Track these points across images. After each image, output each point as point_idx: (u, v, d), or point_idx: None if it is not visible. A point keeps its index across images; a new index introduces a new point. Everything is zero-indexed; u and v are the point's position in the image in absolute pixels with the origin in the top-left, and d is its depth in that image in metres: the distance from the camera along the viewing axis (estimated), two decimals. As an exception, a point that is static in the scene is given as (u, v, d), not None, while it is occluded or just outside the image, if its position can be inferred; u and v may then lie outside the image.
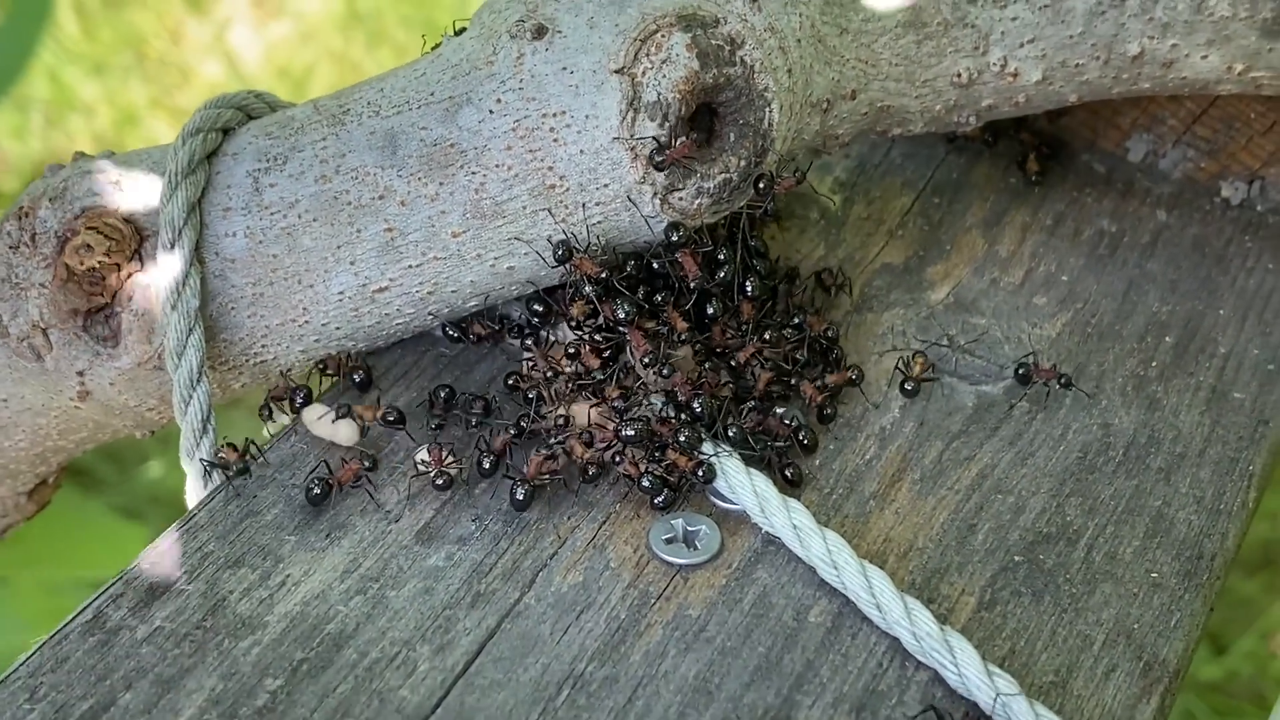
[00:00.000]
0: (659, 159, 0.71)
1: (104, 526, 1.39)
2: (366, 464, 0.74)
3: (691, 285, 0.76)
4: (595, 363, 0.75)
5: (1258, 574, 1.73)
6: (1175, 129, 0.98)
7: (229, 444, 0.75)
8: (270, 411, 0.79)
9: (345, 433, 0.76)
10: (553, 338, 0.80)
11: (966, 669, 0.66)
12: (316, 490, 0.73)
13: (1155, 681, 0.68)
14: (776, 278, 0.85)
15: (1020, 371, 0.81)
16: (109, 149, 0.79)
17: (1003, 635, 0.70)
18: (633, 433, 0.72)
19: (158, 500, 1.75)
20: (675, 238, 0.74)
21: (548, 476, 0.73)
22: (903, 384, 0.81)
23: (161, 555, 0.70)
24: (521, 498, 0.72)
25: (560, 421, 0.75)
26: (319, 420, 0.77)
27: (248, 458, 0.74)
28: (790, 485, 0.75)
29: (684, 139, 0.71)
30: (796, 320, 0.81)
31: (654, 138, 0.71)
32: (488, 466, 0.74)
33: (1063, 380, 0.81)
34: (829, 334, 0.82)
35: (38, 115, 2.24)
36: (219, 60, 2.32)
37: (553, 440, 0.74)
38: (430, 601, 0.69)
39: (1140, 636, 0.70)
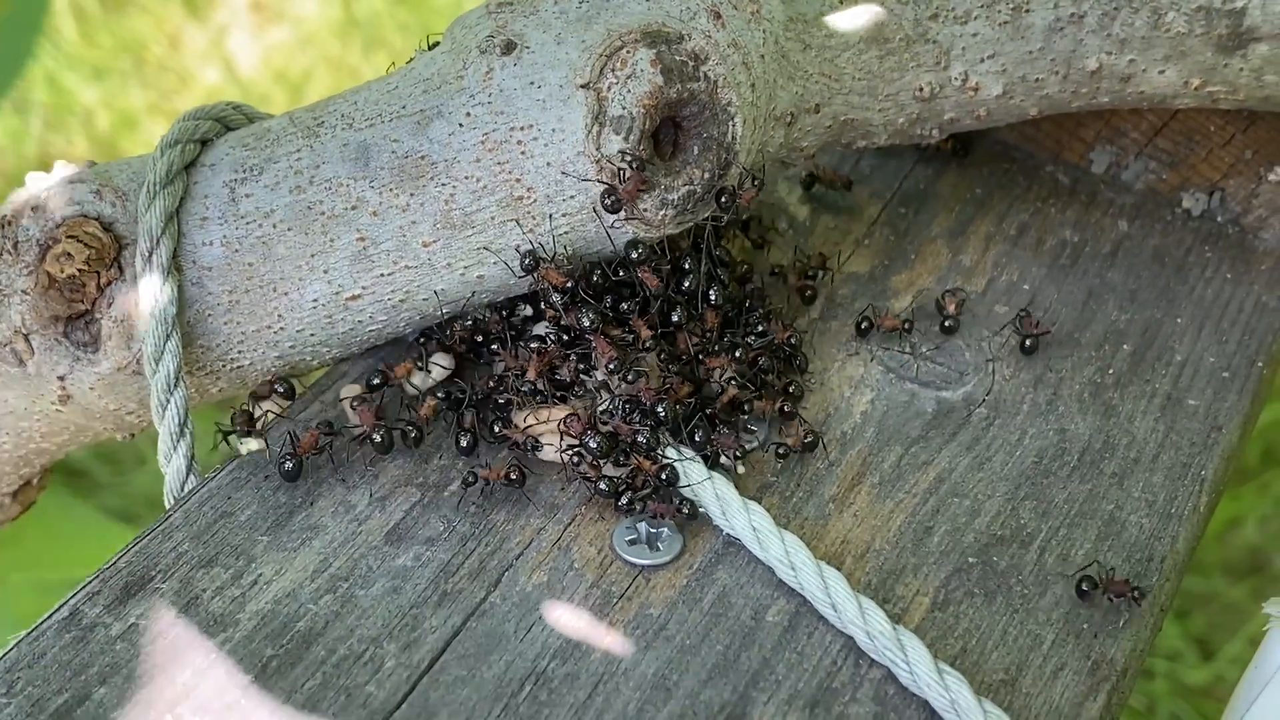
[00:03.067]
0: (609, 201, 0.73)
1: (95, 528, 1.41)
2: (323, 429, 0.76)
3: (653, 296, 0.78)
4: (562, 370, 0.77)
5: (1246, 579, 1.74)
6: (1137, 141, 1.00)
7: (244, 410, 0.79)
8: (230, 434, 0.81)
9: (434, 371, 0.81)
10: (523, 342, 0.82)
11: (918, 667, 0.68)
12: (289, 465, 0.75)
13: (1102, 680, 0.70)
14: (744, 282, 0.87)
15: (1083, 587, 0.74)
16: (107, 153, 0.81)
17: (955, 634, 0.72)
18: (596, 445, 0.75)
19: (153, 503, 1.76)
20: (635, 254, 0.76)
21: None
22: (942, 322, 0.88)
23: (135, 555, 0.72)
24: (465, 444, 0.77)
25: (529, 431, 0.77)
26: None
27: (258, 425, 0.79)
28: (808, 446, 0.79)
29: (635, 176, 0.73)
30: (760, 328, 0.83)
31: (605, 182, 0.73)
32: (465, 444, 0.78)
33: (1135, 594, 0.73)
34: (792, 341, 0.84)
35: (36, 119, 2.26)
36: (217, 65, 2.34)
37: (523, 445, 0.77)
38: (398, 600, 0.71)
39: (1089, 636, 0.72)
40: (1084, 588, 0.73)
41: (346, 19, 2.43)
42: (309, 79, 2.31)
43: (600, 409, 0.77)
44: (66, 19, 2.37)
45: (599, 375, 0.78)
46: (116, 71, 2.34)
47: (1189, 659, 1.66)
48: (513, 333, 0.81)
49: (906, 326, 0.87)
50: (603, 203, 0.74)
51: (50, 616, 0.69)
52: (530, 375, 0.77)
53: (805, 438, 0.79)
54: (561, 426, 0.76)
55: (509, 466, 0.75)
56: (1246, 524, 1.77)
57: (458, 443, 0.77)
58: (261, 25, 2.42)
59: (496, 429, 0.78)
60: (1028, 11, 0.85)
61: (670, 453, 0.77)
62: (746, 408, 0.80)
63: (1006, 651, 0.71)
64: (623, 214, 0.74)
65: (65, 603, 0.70)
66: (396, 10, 2.44)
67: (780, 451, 0.79)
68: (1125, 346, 0.89)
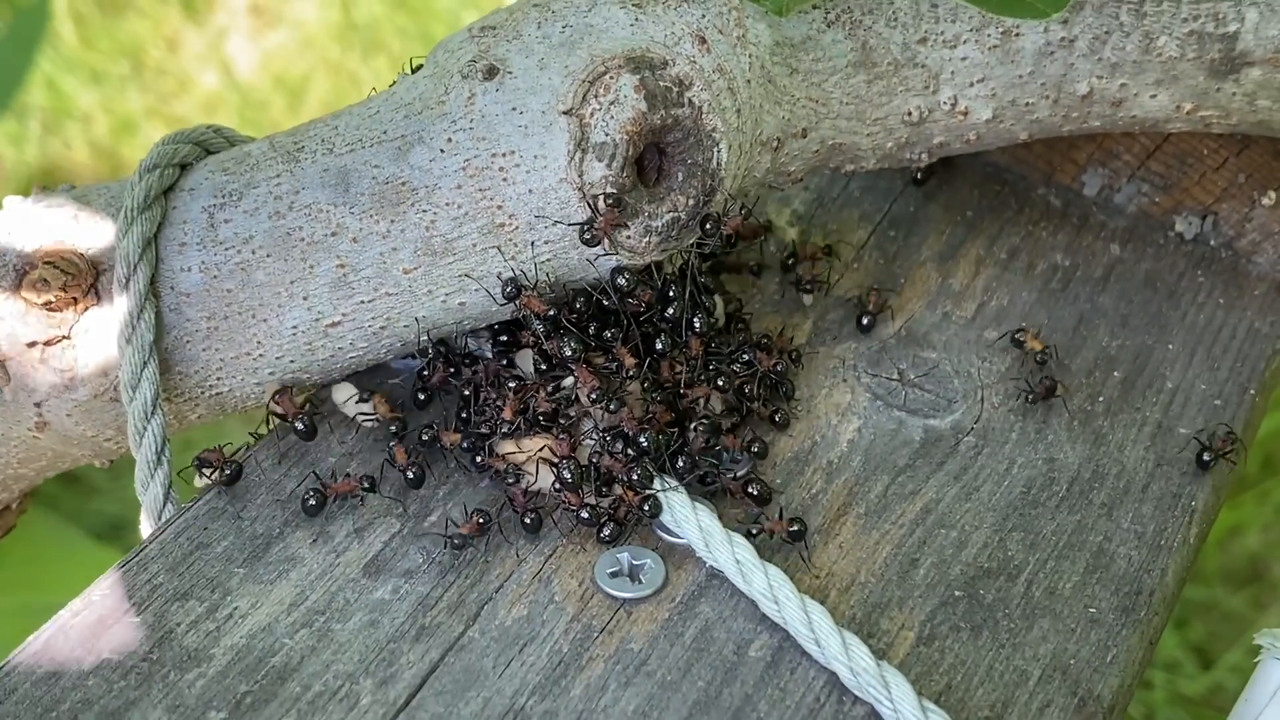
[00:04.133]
0: (587, 236, 0.73)
1: (82, 551, 1.40)
2: (365, 485, 0.75)
3: (641, 317, 0.77)
4: (544, 404, 0.76)
5: (1245, 588, 1.74)
6: (1130, 164, 0.99)
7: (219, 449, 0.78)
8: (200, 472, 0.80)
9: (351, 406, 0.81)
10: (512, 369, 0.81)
11: (901, 704, 0.67)
12: (312, 501, 0.74)
13: (1090, 717, 0.70)
14: (729, 312, 0.86)
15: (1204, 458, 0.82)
16: (106, 157, 0.81)
17: (940, 670, 0.71)
18: (569, 476, 0.74)
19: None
20: (621, 281, 0.75)
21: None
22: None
23: (110, 588, 0.71)
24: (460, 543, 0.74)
25: (509, 459, 0.76)
26: (347, 402, 0.81)
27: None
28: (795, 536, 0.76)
29: (611, 210, 0.72)
30: (746, 356, 0.82)
31: (582, 223, 0.73)
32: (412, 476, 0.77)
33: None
34: (778, 369, 0.83)
35: (35, 123, 2.25)
36: (216, 69, 2.33)
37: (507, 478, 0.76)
38: (375, 635, 0.70)
39: (1076, 672, 0.71)
40: (1205, 459, 0.82)
41: (345, 23, 2.42)
42: (308, 83, 2.30)
43: (590, 450, 0.76)
44: (65, 23, 2.37)
45: (582, 403, 0.77)
46: (115, 75, 2.33)
47: (1188, 668, 1.65)
48: (497, 354, 0.81)
49: (827, 251, 0.93)
50: (581, 237, 0.73)
51: (22, 651, 0.68)
52: (507, 415, 0.76)
53: (790, 526, 0.75)
54: (544, 455, 0.75)
55: (475, 521, 0.74)
56: (1246, 532, 1.76)
57: (405, 476, 0.76)
58: (260, 29, 2.42)
59: (479, 459, 0.77)
60: (1017, 35, 0.84)
61: (654, 483, 0.76)
62: (716, 441, 0.78)
63: (992, 688, 0.70)
64: (600, 248, 0.73)
65: (38, 636, 0.69)
66: (396, 14, 2.43)
67: (754, 533, 0.75)
68: (1116, 373, 0.88)
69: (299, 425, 0.78)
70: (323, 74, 2.33)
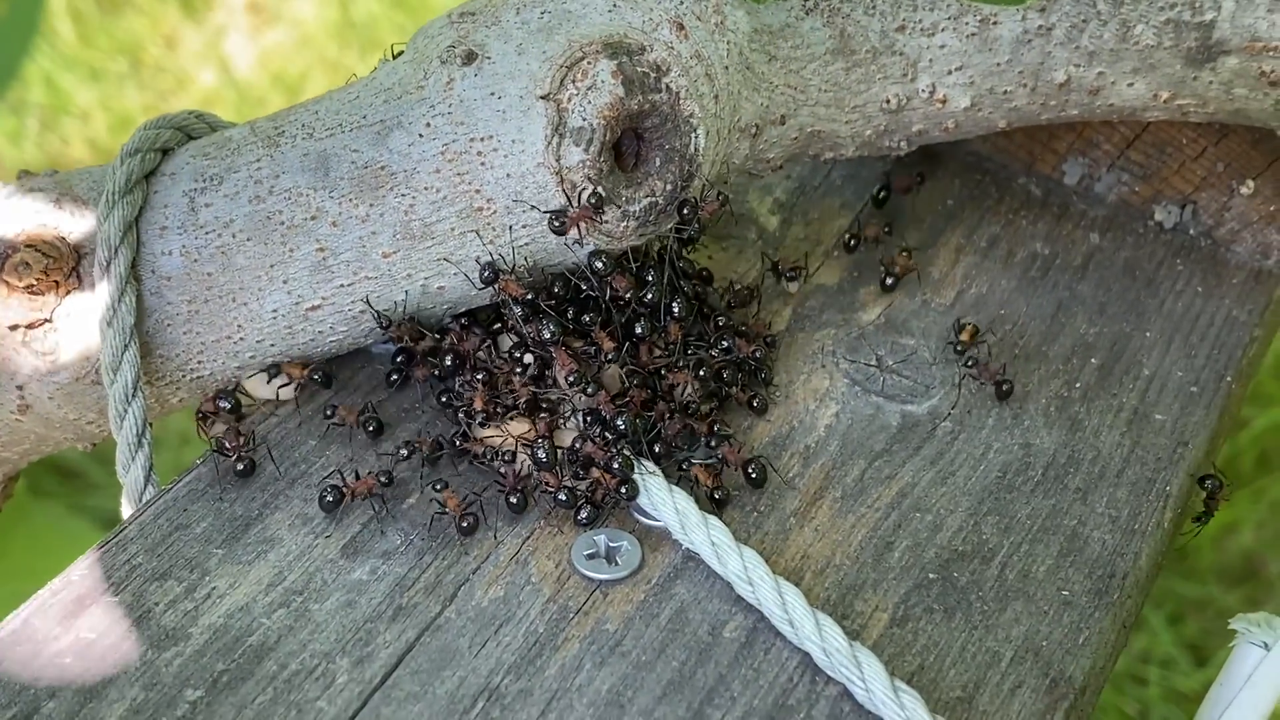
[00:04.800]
0: (556, 224, 0.73)
1: (83, 539, 1.41)
2: (383, 479, 0.75)
3: (622, 301, 0.78)
4: (522, 390, 0.77)
5: (1240, 585, 1.74)
6: (1110, 153, 1.00)
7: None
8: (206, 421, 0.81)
9: (271, 387, 0.81)
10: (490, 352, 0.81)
11: (873, 684, 0.68)
12: (329, 498, 0.75)
13: (1060, 698, 0.70)
14: (716, 295, 0.87)
15: (970, 365, 0.85)
16: (105, 154, 0.81)
17: (913, 651, 0.71)
18: (544, 457, 0.74)
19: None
20: (599, 265, 0.76)
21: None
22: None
23: (89, 568, 0.72)
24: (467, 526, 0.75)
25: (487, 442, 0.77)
26: (256, 382, 0.80)
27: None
28: (717, 505, 0.77)
29: (584, 204, 0.73)
30: (725, 343, 0.83)
31: (553, 215, 0.73)
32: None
33: (1004, 388, 0.84)
34: (756, 355, 0.83)
35: (33, 120, 2.26)
36: (214, 67, 2.34)
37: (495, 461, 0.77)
38: (352, 615, 0.70)
39: (1048, 654, 0.72)
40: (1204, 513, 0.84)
41: (343, 21, 2.43)
42: (305, 80, 2.30)
43: (571, 439, 0.76)
44: (63, 20, 2.37)
45: (561, 386, 0.77)
46: (113, 72, 2.34)
47: (1182, 665, 1.66)
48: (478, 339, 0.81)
49: (887, 230, 0.95)
50: (550, 224, 0.73)
51: (1, 629, 0.68)
52: (477, 405, 0.76)
53: (748, 467, 0.78)
54: (521, 438, 0.76)
55: (464, 511, 0.74)
56: (1241, 529, 1.77)
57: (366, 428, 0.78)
58: (258, 26, 2.42)
59: (457, 442, 0.78)
60: (995, 23, 0.85)
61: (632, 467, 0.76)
62: (711, 414, 0.79)
63: (964, 669, 0.71)
64: (568, 237, 0.74)
65: (17, 615, 0.69)
66: (393, 13, 2.44)
67: (716, 495, 0.77)
68: (1093, 360, 0.89)
69: (239, 467, 0.77)
70: (320, 72, 2.33)
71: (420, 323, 0.79)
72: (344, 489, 0.75)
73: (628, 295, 0.77)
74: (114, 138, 2.23)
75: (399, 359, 0.82)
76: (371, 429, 0.79)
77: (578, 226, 0.73)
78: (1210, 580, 1.74)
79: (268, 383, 0.81)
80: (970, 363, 0.85)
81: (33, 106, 2.26)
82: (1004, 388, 0.84)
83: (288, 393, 0.81)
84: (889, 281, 0.91)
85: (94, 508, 1.79)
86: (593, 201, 0.73)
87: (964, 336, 0.87)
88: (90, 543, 1.41)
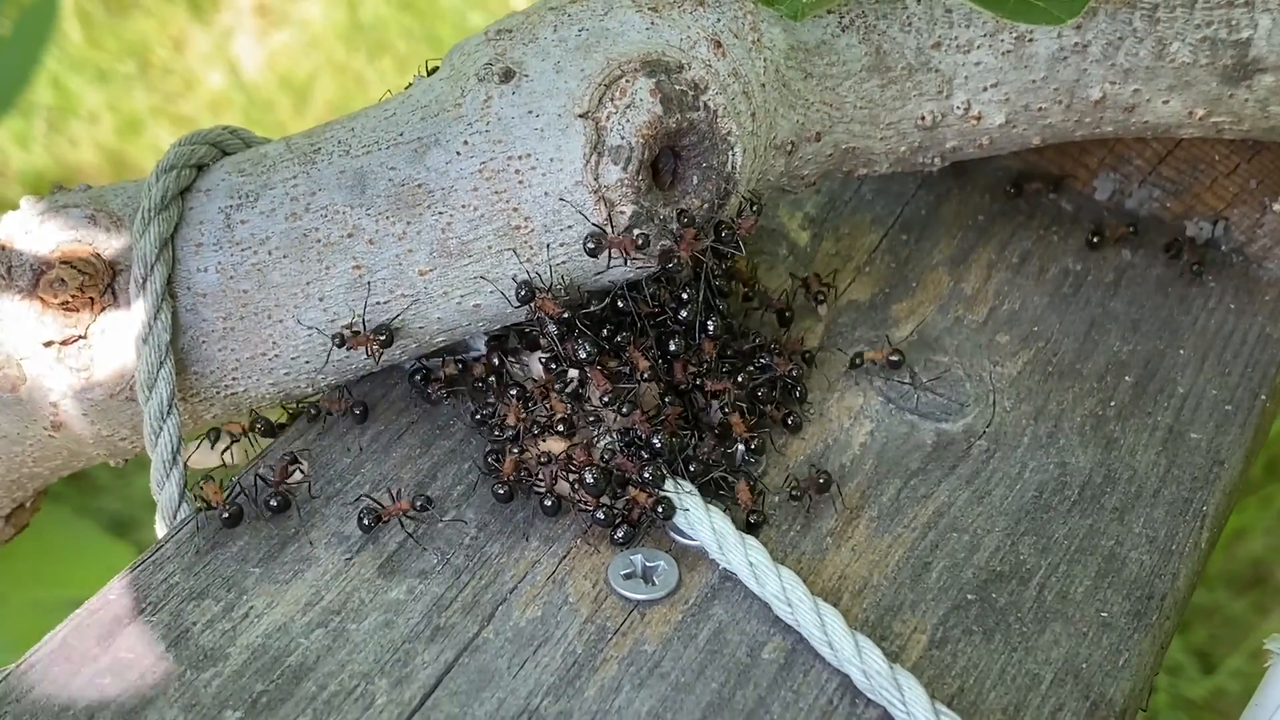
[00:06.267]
0: (591, 246, 0.73)
1: (95, 545, 1.41)
2: (419, 504, 0.75)
3: (658, 318, 0.78)
4: (560, 407, 0.76)
5: (1247, 592, 1.74)
6: (1141, 169, 1.00)
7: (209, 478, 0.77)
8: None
9: (214, 453, 0.80)
10: (520, 372, 0.81)
11: (914, 707, 0.67)
12: (366, 520, 0.74)
13: (1101, 721, 0.70)
14: (753, 305, 0.87)
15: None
16: (112, 156, 0.81)
17: (953, 673, 0.71)
18: (591, 480, 0.74)
19: (154, 507, 1.76)
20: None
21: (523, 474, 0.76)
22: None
23: (126, 587, 0.72)
24: (503, 493, 0.76)
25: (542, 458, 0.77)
26: (198, 453, 0.80)
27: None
28: (751, 528, 0.77)
29: (625, 233, 0.73)
30: (762, 360, 0.82)
31: (589, 236, 0.73)
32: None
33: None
34: (793, 374, 0.83)
35: (41, 122, 2.26)
36: (222, 68, 2.34)
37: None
38: (390, 635, 0.70)
39: (1088, 676, 0.71)
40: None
41: (351, 23, 2.43)
42: (313, 83, 2.30)
43: (603, 446, 0.76)
44: (71, 22, 2.37)
45: (595, 405, 0.77)
46: (121, 74, 2.34)
47: (1190, 672, 1.65)
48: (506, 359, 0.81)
49: (895, 359, 0.87)
50: (585, 245, 0.73)
51: (40, 649, 0.68)
52: (510, 420, 0.76)
53: (819, 479, 0.78)
54: (562, 459, 0.76)
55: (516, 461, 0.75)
56: (1250, 537, 1.76)
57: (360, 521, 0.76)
58: (266, 28, 2.42)
59: (491, 461, 0.77)
60: (1031, 40, 0.85)
61: (666, 485, 0.76)
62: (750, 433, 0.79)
63: (1005, 691, 0.70)
64: (601, 259, 0.74)
65: (54, 635, 0.69)
66: (401, 15, 2.44)
67: (794, 494, 0.78)
68: (1127, 378, 0.88)
69: (224, 515, 0.75)
70: (328, 74, 2.33)
71: (570, 290, 0.76)
72: (381, 510, 0.74)
73: (660, 313, 0.77)
74: (122, 140, 2.23)
75: (417, 376, 0.82)
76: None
77: (610, 251, 0.73)
78: (1218, 587, 1.73)
79: (211, 448, 0.81)
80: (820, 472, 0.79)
81: (40, 108, 2.27)
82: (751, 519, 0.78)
83: (230, 456, 0.81)
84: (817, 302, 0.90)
85: (100, 509, 1.78)
86: (640, 243, 0.72)
87: (876, 355, 0.86)
88: (101, 550, 1.41)
